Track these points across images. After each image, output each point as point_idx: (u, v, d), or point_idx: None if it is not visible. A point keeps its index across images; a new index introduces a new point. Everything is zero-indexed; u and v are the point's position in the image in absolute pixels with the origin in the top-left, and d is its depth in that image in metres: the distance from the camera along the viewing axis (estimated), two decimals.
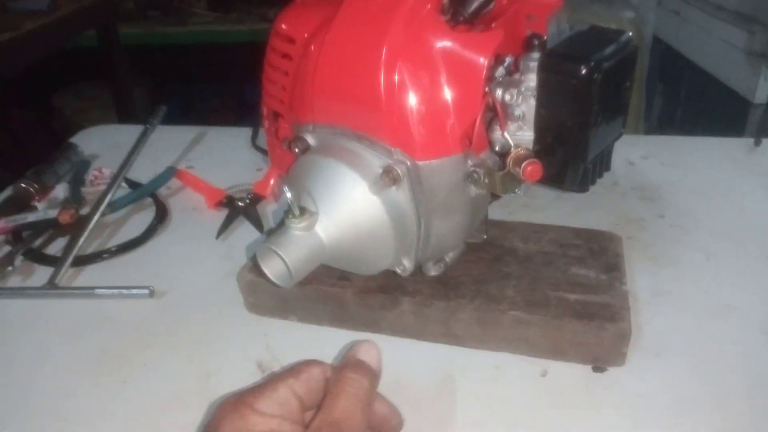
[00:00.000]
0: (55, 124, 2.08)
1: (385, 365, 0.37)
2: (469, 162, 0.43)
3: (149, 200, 0.70)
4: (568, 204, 0.65)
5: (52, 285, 0.56)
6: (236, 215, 0.66)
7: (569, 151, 0.43)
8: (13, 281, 0.59)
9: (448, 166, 0.43)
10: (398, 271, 0.46)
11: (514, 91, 0.42)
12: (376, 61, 0.42)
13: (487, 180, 0.43)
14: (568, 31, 0.49)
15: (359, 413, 0.32)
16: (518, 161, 0.42)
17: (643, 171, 0.72)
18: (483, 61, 0.42)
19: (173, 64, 2.19)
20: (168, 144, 0.82)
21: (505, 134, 0.43)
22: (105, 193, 0.66)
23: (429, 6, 0.42)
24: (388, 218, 0.43)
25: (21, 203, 0.69)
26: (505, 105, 0.43)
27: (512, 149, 0.42)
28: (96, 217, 0.63)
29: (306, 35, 0.49)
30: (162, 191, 0.72)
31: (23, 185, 0.70)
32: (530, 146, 0.43)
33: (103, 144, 0.84)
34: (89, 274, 0.59)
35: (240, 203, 0.67)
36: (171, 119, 0.80)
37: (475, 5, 0.45)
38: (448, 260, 0.50)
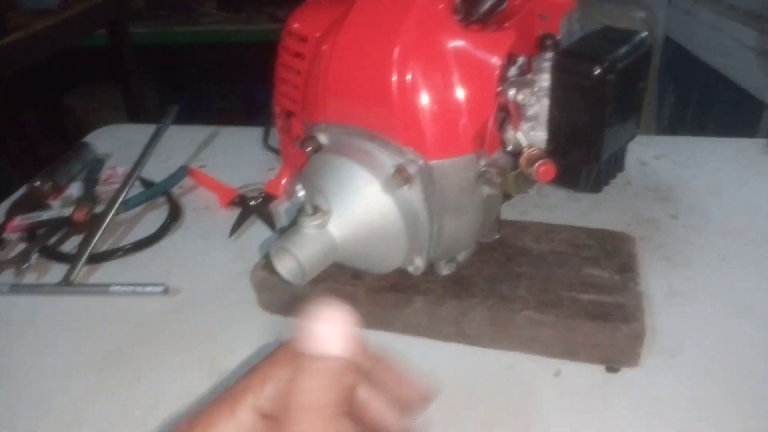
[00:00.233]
0: (66, 124, 2.09)
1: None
2: (482, 162, 0.43)
3: (162, 199, 0.70)
4: (581, 204, 0.65)
5: (67, 282, 0.57)
6: (249, 214, 0.66)
7: (583, 152, 0.43)
8: (29, 278, 0.59)
9: (460, 165, 0.43)
10: (410, 270, 0.46)
11: (527, 91, 0.42)
12: (389, 60, 0.42)
13: (499, 180, 0.43)
14: (579, 31, 0.49)
15: (322, 427, 0.23)
16: (531, 161, 0.42)
17: (656, 171, 0.72)
18: (496, 60, 0.42)
19: (183, 64, 2.20)
20: (180, 143, 0.82)
21: (518, 134, 0.43)
22: (119, 192, 0.67)
23: (441, 5, 0.43)
24: (400, 217, 0.43)
25: (35, 202, 0.70)
26: (518, 105, 0.43)
27: (525, 149, 0.42)
28: (111, 215, 0.64)
29: (318, 34, 0.49)
30: (175, 190, 0.72)
31: (37, 184, 0.71)
32: (543, 146, 0.43)
33: (115, 143, 0.85)
34: (103, 272, 0.60)
35: (252, 202, 0.67)
36: (180, 118, 0.81)
37: (487, 5, 0.45)
38: (460, 259, 0.50)
